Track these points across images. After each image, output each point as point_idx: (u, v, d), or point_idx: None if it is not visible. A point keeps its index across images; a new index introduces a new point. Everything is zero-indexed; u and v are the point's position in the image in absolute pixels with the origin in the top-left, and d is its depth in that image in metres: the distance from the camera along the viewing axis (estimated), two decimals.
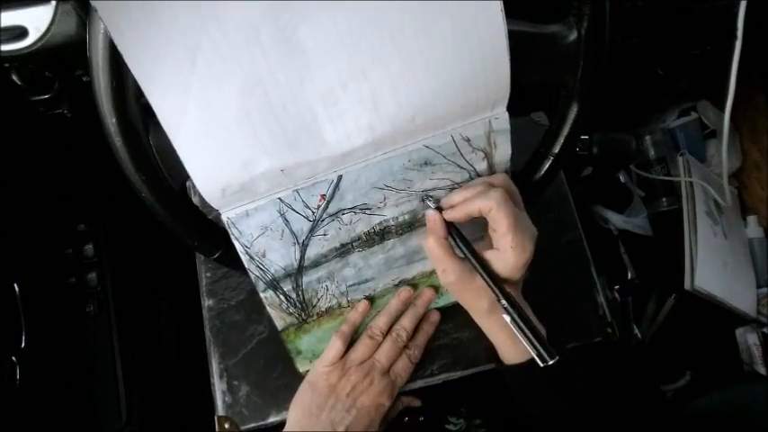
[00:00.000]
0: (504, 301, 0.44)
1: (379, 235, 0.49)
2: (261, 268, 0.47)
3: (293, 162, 0.40)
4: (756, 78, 0.97)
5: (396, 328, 0.54)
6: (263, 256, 0.46)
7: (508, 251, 0.44)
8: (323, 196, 0.44)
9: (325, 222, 0.46)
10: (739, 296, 0.96)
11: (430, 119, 0.41)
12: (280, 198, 0.43)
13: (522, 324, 0.43)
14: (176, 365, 0.77)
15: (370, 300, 0.54)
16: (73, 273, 0.70)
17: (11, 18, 0.44)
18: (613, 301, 0.88)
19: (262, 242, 0.45)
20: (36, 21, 0.44)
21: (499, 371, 0.52)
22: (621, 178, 1.04)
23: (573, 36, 0.42)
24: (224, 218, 0.43)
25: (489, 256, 0.45)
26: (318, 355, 0.54)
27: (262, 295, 0.49)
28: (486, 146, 0.46)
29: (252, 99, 0.37)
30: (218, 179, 0.39)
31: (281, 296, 0.50)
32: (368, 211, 0.46)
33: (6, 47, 0.45)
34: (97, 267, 0.70)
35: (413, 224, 0.49)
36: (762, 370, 0.96)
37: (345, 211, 0.46)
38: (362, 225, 0.47)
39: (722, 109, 0.75)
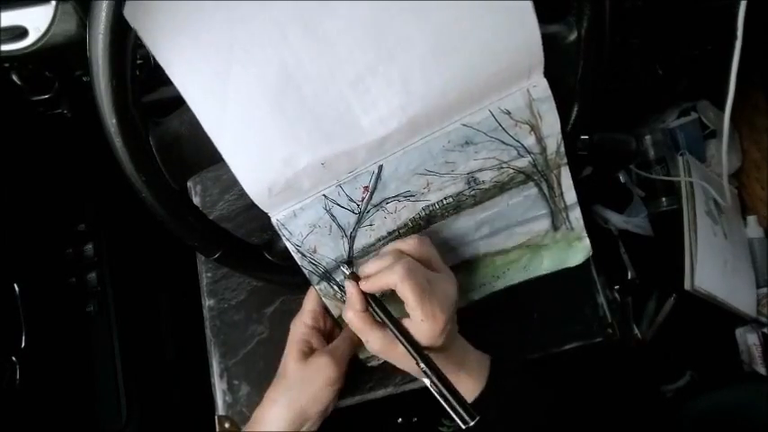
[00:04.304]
0: (422, 365, 0.43)
1: (425, 220, 0.48)
2: (313, 263, 0.47)
3: (332, 153, 0.40)
4: (756, 78, 0.97)
5: None
6: (315, 251, 0.46)
7: (419, 324, 0.43)
8: (366, 188, 0.44)
9: (370, 213, 0.46)
10: (739, 296, 0.96)
11: (463, 93, 0.41)
12: (324, 195, 0.43)
13: (441, 387, 0.42)
14: (176, 365, 0.77)
15: None
16: (73, 273, 0.70)
17: (11, 18, 0.44)
18: (613, 301, 0.88)
19: (312, 239, 0.46)
20: (36, 21, 0.44)
21: None
22: (621, 178, 1.04)
23: (573, 36, 0.42)
24: (274, 220, 0.43)
25: (407, 324, 0.44)
26: None
27: (316, 288, 0.50)
28: (531, 117, 0.44)
29: (285, 96, 0.38)
30: (262, 179, 0.40)
31: (335, 287, 0.50)
32: (412, 198, 0.46)
33: (6, 47, 0.45)
34: (97, 267, 0.70)
35: (459, 207, 0.49)
36: (762, 370, 0.96)
37: (389, 200, 0.46)
38: (407, 212, 0.47)
39: (722, 109, 0.75)
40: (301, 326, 0.52)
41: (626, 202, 1.02)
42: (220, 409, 0.56)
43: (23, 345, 0.63)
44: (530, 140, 0.46)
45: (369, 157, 0.42)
